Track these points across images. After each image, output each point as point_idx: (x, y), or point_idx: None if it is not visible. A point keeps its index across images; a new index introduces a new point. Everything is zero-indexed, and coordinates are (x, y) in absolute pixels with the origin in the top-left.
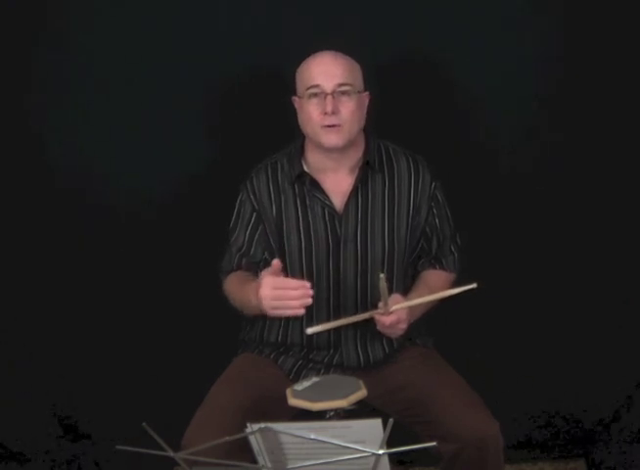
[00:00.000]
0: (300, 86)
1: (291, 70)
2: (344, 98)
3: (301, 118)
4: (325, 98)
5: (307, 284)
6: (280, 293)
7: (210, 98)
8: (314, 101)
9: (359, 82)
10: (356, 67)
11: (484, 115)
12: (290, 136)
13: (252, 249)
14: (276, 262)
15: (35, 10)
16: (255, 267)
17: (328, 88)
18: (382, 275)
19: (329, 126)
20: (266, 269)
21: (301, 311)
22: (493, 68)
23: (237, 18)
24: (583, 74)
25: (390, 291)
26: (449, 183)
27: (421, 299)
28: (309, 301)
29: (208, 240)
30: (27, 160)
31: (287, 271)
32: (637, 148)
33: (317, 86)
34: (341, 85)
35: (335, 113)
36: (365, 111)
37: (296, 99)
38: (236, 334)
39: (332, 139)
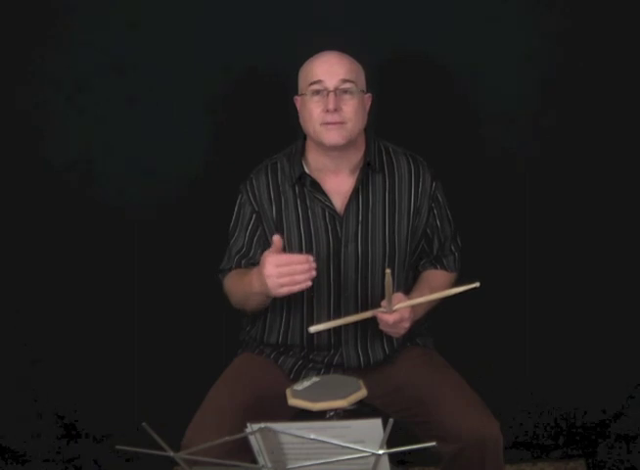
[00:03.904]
0: (303, 83)
1: (291, 71)
2: (347, 96)
3: (303, 117)
4: (327, 95)
5: (310, 257)
6: (285, 269)
7: (210, 98)
8: (316, 98)
9: (362, 82)
10: (360, 68)
11: (484, 115)
12: (290, 137)
13: (252, 250)
14: (277, 239)
15: (36, 10)
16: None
17: (330, 85)
18: (388, 270)
19: (330, 124)
20: (267, 250)
21: (309, 284)
22: (493, 68)
23: (237, 18)
24: (584, 75)
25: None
26: (449, 183)
27: (424, 298)
28: (314, 273)
29: (208, 240)
30: (27, 160)
31: None
32: (638, 149)
33: (320, 82)
34: (344, 81)
35: (337, 110)
36: (367, 112)
37: (297, 98)
38: (236, 334)
39: (333, 137)
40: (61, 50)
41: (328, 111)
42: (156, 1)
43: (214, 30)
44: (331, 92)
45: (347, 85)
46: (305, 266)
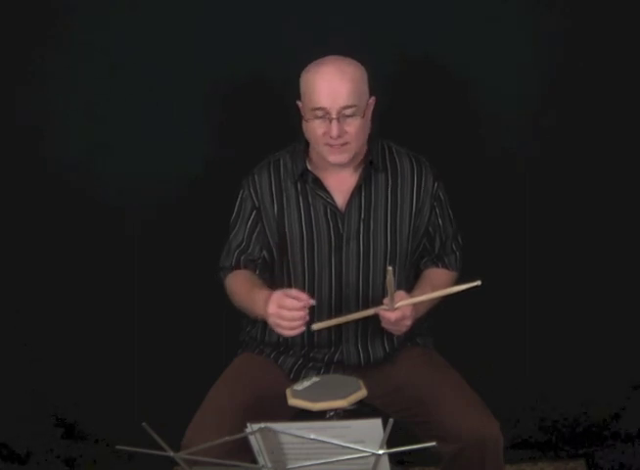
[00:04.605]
0: (305, 103)
1: (291, 71)
2: (350, 119)
3: (306, 131)
4: (330, 122)
5: (312, 301)
6: (284, 313)
7: (210, 98)
8: (318, 122)
9: (365, 96)
10: (362, 77)
11: (484, 115)
12: (290, 137)
13: (251, 246)
14: (311, 301)
15: (36, 10)
16: (253, 265)
17: (333, 112)
18: (389, 268)
19: (334, 145)
20: (283, 290)
21: (302, 329)
22: (494, 68)
23: (237, 18)
24: (584, 75)
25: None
26: (449, 183)
27: (425, 295)
28: (307, 318)
29: (209, 240)
30: (27, 160)
31: (288, 269)
32: (638, 149)
33: (322, 109)
34: (346, 108)
35: (340, 136)
36: (370, 118)
37: (299, 103)
38: (236, 334)
39: (337, 158)
40: (61, 50)
41: (331, 137)
42: (156, 1)
43: (215, 30)
44: (334, 119)
45: (350, 111)
46: (301, 313)
